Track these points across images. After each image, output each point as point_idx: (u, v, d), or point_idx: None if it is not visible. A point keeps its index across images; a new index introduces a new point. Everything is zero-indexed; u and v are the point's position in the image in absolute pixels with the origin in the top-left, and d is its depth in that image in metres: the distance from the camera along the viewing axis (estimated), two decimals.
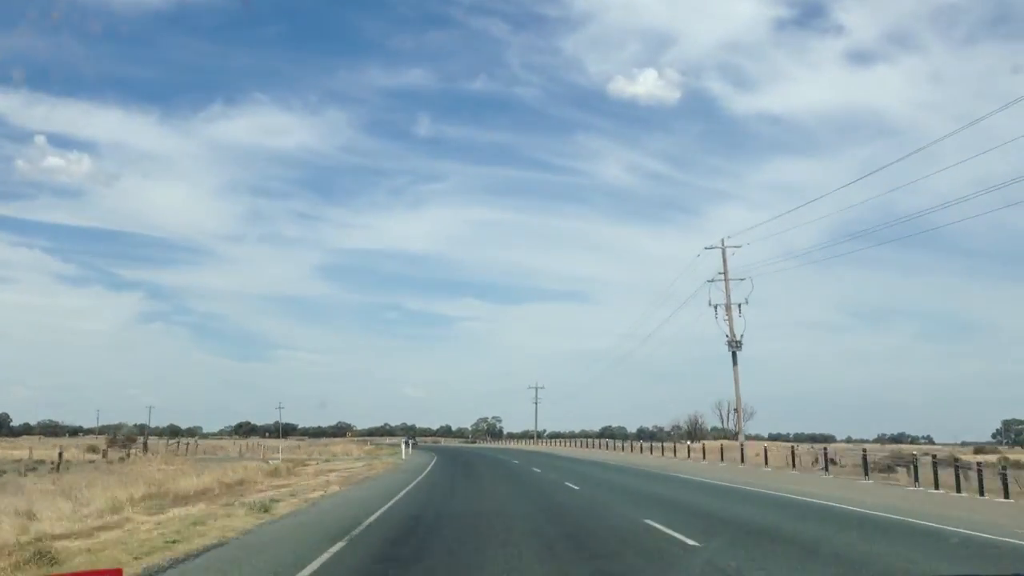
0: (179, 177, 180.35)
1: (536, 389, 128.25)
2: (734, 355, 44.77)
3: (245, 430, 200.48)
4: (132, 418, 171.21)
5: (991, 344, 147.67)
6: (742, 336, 44.23)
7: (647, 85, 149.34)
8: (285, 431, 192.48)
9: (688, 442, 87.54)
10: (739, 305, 44.07)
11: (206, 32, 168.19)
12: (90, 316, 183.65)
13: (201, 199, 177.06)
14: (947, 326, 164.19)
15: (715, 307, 44.23)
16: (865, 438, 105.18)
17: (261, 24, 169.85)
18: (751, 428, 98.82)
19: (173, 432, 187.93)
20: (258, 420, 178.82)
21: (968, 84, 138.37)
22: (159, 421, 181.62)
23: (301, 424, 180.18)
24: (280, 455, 45.35)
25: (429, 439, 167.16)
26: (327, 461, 45.61)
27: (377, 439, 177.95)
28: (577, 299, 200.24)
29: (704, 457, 51.01)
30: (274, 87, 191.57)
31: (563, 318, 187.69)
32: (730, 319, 43.66)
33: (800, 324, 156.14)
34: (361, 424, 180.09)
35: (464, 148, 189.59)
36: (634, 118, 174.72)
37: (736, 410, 42.23)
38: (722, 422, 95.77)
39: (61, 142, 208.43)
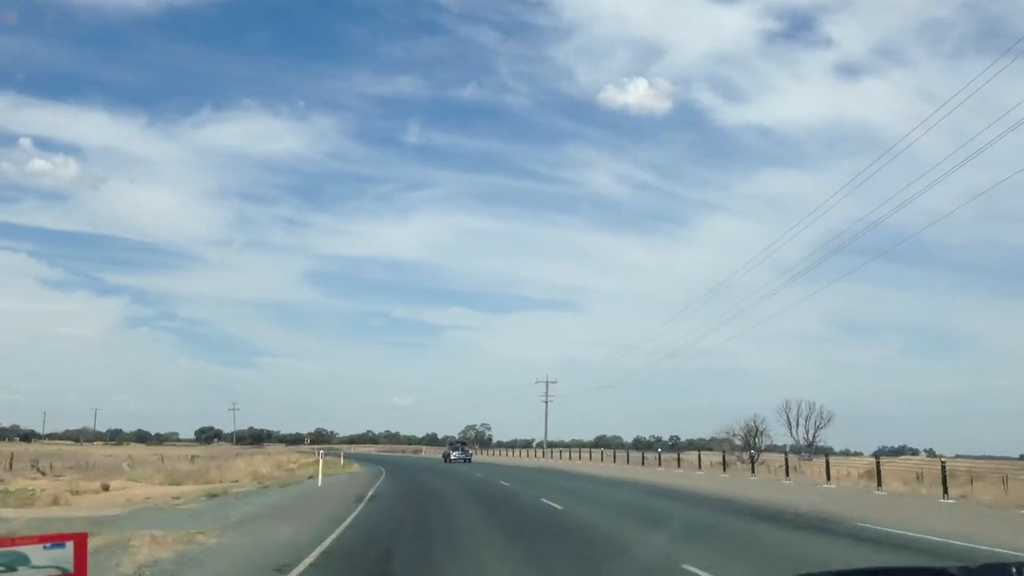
0: (166, 182, 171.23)
1: (547, 384, 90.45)
2: None
3: (208, 435, 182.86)
4: (117, 423, 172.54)
5: (980, 358, 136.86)
6: None
7: (637, 94, 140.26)
8: (259, 437, 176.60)
9: (750, 454, 58.24)
10: None
11: (195, 37, 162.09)
12: (75, 321, 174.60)
13: (188, 204, 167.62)
14: (935, 340, 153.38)
15: None
16: (862, 451, 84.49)
17: (251, 30, 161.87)
18: (829, 439, 68.72)
19: (140, 437, 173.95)
20: (238, 426, 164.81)
21: (956, 97, 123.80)
22: (135, 425, 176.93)
23: (283, 431, 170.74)
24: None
25: (409, 449, 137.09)
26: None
27: (351, 448, 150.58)
28: (565, 308, 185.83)
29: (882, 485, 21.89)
30: (263, 93, 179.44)
31: (551, 327, 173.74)
32: None
33: (785, 335, 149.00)
34: (344, 432, 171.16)
35: (452, 156, 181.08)
36: (623, 128, 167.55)
37: None
38: (790, 430, 64.90)
39: (47, 145, 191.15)
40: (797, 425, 65.24)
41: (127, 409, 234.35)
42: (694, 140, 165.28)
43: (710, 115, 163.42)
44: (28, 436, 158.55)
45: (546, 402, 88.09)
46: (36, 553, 3.01)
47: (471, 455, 66.55)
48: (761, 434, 73.17)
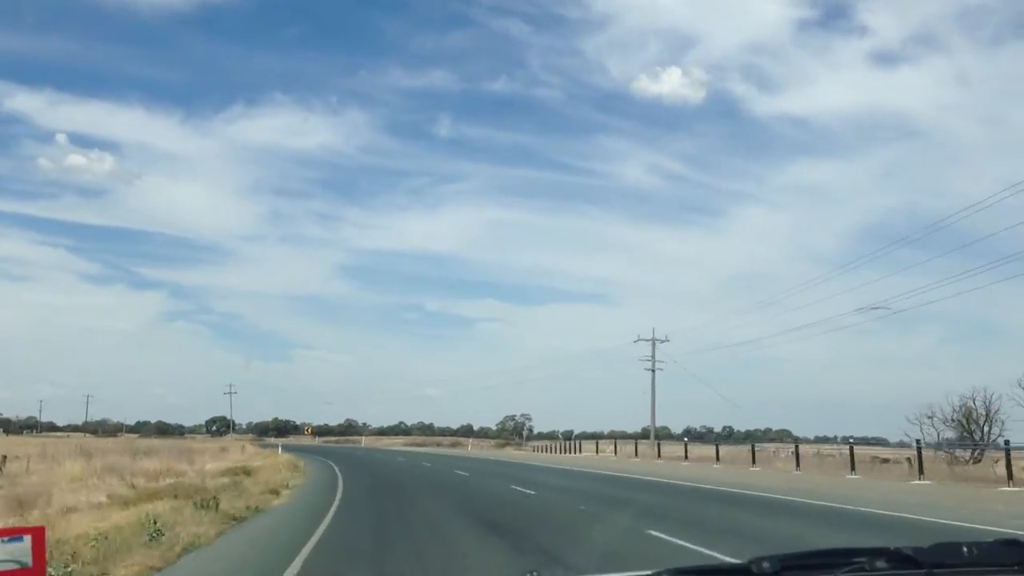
0: (201, 177, 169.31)
1: (653, 342, 59.62)
2: None
3: (220, 426, 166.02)
4: (149, 415, 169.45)
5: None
6: None
7: (671, 84, 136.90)
8: (284, 429, 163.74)
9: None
10: None
11: (228, 33, 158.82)
12: (114, 315, 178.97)
13: (223, 199, 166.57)
14: (976, 330, 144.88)
15: None
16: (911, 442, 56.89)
17: (283, 25, 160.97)
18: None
19: (160, 430, 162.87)
20: (262, 417, 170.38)
21: (994, 85, 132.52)
22: (171, 418, 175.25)
23: (315, 422, 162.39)
24: None
25: (447, 442, 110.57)
26: None
27: (382, 441, 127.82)
28: (598, 301, 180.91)
29: None
30: (295, 88, 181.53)
31: (584, 319, 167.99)
32: None
33: (822, 327, 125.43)
34: (376, 423, 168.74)
35: (484, 149, 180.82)
36: (655, 119, 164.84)
37: None
38: None
39: (83, 141, 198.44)
40: None
41: (166, 402, 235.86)
42: (727, 130, 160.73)
43: (743, 105, 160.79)
44: (54, 429, 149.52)
45: (653, 370, 58.90)
46: None
47: None
48: (991, 421, 43.73)
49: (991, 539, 2.37)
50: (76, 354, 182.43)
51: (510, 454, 65.26)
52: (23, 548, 3.02)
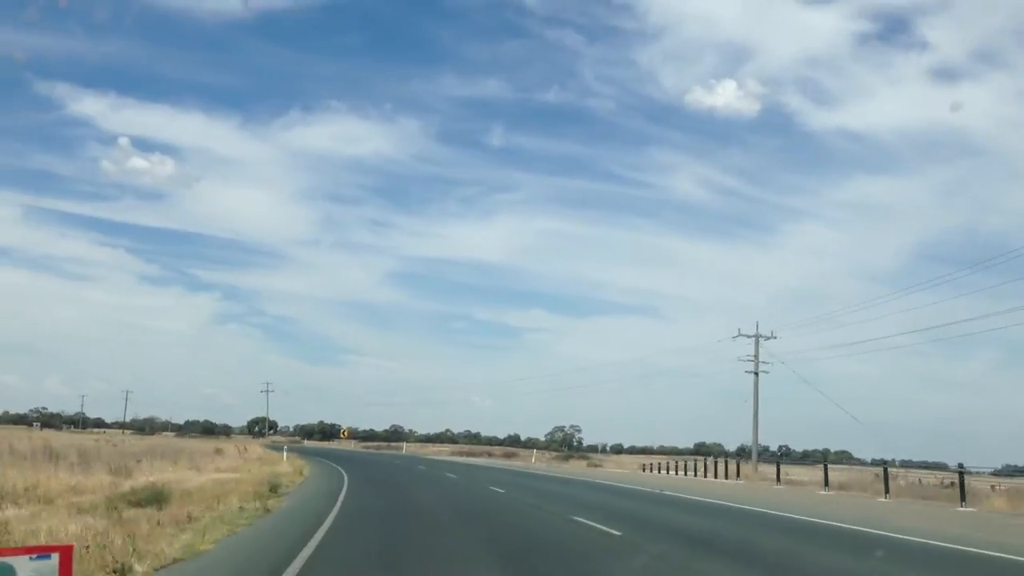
0: (257, 182, 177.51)
1: (756, 339, 48.12)
2: None
3: (262, 428, 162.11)
4: (200, 415, 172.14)
5: None
6: None
7: (726, 96, 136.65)
8: (329, 433, 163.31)
9: None
10: None
11: (285, 40, 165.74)
12: (170, 315, 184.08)
13: (278, 204, 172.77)
14: None
15: None
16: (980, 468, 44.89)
17: (338, 33, 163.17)
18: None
19: (205, 430, 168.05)
20: (309, 419, 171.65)
21: None
22: (211, 417, 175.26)
23: (361, 427, 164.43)
24: None
25: (498, 452, 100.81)
26: None
27: (430, 449, 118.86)
28: (646, 313, 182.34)
29: None
30: (350, 95, 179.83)
31: (632, 332, 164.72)
32: None
33: (875, 348, 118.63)
34: (422, 430, 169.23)
35: (536, 159, 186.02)
36: (708, 132, 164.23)
37: None
38: None
39: (145, 145, 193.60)
40: None
41: (217, 402, 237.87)
42: (782, 145, 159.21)
43: (799, 119, 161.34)
44: (99, 424, 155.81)
45: (756, 373, 47.95)
46: (22, 564, 2.92)
47: None
48: None
49: None
50: (133, 353, 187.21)
51: (598, 473, 51.30)
52: (51, 566, 2.98)
